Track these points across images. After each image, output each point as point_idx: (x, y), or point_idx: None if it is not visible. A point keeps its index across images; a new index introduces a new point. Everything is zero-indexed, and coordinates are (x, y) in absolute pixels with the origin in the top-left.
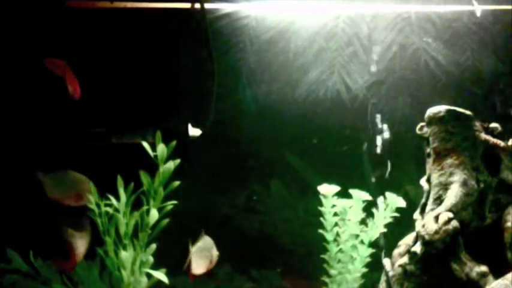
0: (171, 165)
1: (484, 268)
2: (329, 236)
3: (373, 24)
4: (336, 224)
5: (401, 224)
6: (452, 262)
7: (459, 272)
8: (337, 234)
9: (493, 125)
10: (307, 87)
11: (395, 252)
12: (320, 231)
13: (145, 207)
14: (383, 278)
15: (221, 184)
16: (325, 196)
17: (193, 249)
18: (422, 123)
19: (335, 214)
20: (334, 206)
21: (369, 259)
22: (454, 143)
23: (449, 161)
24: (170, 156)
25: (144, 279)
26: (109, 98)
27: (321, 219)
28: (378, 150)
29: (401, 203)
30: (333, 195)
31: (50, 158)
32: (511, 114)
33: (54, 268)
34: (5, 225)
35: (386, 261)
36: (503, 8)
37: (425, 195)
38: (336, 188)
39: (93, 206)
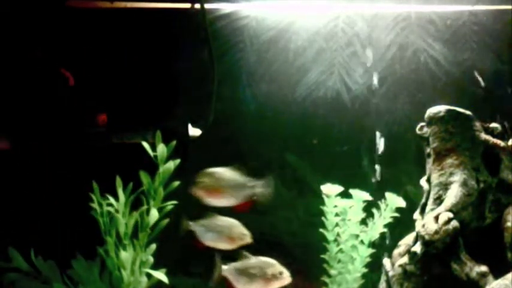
0: (171, 165)
1: (484, 268)
2: (329, 236)
3: (373, 24)
4: (337, 225)
5: (401, 224)
6: (452, 262)
7: (459, 272)
8: (338, 235)
9: (493, 125)
10: (307, 87)
11: (395, 252)
12: (321, 230)
13: (145, 207)
14: (383, 278)
15: None
16: (328, 196)
17: (226, 267)
18: (422, 123)
19: (336, 214)
20: (335, 206)
21: (368, 259)
22: (454, 143)
23: (449, 161)
24: (170, 156)
25: (144, 279)
26: (109, 98)
27: (323, 218)
28: (379, 149)
29: (401, 203)
30: (335, 196)
31: (50, 158)
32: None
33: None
34: None
35: (386, 261)
36: (503, 8)
37: (425, 195)
38: (339, 188)
39: (95, 206)
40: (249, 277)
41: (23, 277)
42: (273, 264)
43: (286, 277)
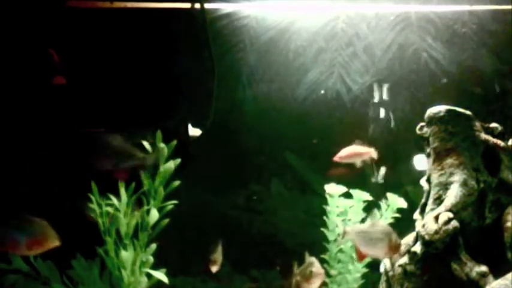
0: (171, 165)
1: (484, 268)
2: (330, 236)
3: (373, 24)
4: (338, 226)
5: (401, 224)
6: (452, 262)
7: (459, 272)
8: (338, 235)
9: (493, 125)
10: (307, 87)
11: None
12: (322, 229)
13: (145, 207)
14: (383, 278)
15: (221, 184)
16: (331, 195)
17: (299, 270)
18: (422, 123)
19: (337, 215)
20: (338, 206)
21: (369, 259)
22: (454, 143)
23: (449, 161)
24: (170, 156)
25: (144, 279)
26: (109, 98)
27: (325, 218)
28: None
29: (402, 203)
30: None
31: (50, 157)
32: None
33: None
34: None
35: (386, 261)
36: (503, 8)
37: (425, 195)
38: (343, 189)
39: (94, 206)
40: (304, 277)
41: (23, 279)
42: (310, 263)
43: (319, 275)
